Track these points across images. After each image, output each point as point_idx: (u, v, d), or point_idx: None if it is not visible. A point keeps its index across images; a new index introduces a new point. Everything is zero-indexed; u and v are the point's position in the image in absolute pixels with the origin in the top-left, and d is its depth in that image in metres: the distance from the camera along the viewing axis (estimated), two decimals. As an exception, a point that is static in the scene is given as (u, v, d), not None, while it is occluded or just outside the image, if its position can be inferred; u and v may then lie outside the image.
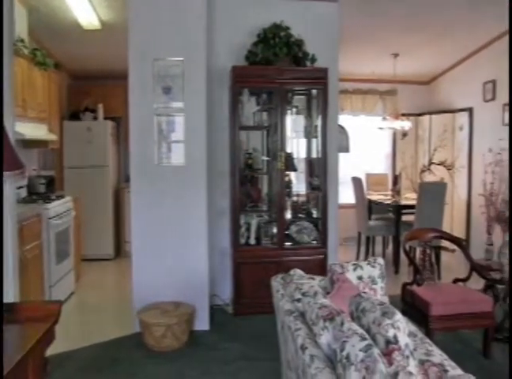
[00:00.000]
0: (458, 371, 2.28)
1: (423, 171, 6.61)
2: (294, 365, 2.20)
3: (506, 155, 5.57)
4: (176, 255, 3.95)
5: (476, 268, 3.86)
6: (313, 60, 4.46)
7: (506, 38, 5.87)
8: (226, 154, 4.52)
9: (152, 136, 3.90)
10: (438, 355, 2.44)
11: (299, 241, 4.45)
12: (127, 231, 6.20)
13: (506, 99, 5.95)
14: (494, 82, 6.23)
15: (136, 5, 3.85)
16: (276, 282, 2.78)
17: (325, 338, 1.95)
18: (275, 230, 4.42)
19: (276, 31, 4.34)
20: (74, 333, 3.97)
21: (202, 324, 4.01)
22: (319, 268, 4.19)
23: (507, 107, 5.92)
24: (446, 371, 2.28)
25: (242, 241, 4.40)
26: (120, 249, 6.74)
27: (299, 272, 2.75)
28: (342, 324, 1.89)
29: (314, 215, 4.59)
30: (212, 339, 3.86)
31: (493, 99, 6.26)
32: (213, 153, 4.42)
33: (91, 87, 6.73)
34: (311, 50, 4.45)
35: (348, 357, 1.71)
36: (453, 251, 6.06)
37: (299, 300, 2.35)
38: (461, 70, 7.02)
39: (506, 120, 5.93)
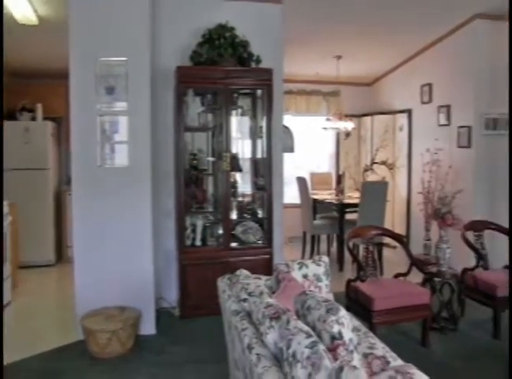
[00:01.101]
0: (399, 362, 2.38)
1: (365, 171, 6.80)
2: (241, 365, 2.21)
3: (441, 155, 5.84)
4: (120, 258, 3.87)
5: (415, 262, 4.02)
6: (258, 61, 4.49)
7: (441, 44, 6.17)
8: (171, 155, 4.48)
9: (94, 137, 3.80)
10: (381, 348, 2.52)
11: (244, 241, 4.47)
12: (69, 236, 5.99)
13: (441, 102, 6.24)
14: (430, 85, 6.51)
15: (76, 2, 3.74)
16: (222, 282, 2.78)
17: (271, 337, 1.97)
18: (221, 230, 4.42)
19: (221, 31, 4.33)
20: (14, 345, 3.75)
21: (148, 327, 3.95)
22: (265, 267, 4.22)
23: (442, 109, 6.20)
24: (388, 363, 2.37)
25: (188, 242, 4.36)
26: (62, 254, 6.51)
27: (245, 272, 2.76)
28: (288, 322, 1.91)
29: (260, 215, 4.62)
30: (158, 343, 3.81)
31: (430, 101, 6.53)
32: (158, 154, 4.36)
33: (29, 85, 6.47)
34: (256, 51, 4.48)
35: (294, 354, 1.73)
36: (394, 247, 6.30)
37: (245, 300, 2.36)
38: (401, 73, 7.29)
39: (442, 121, 6.21)
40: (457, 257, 4.46)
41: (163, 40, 4.43)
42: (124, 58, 3.80)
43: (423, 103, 6.66)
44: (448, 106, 6.10)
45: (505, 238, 4.73)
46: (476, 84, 5.67)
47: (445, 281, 4.05)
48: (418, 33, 6.04)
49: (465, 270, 4.22)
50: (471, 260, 4.37)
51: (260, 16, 4.72)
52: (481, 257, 4.34)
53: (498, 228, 4.61)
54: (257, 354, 1.93)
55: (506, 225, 5.13)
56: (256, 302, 2.21)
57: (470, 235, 4.44)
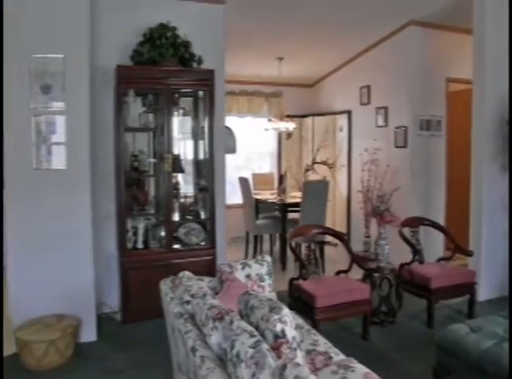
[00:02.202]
0: (341, 356, 2.44)
1: (307, 170, 6.93)
2: (185, 368, 2.19)
3: (380, 155, 6.05)
4: (59, 264, 3.72)
5: (355, 259, 4.14)
6: (200, 61, 4.46)
7: (379, 47, 6.39)
8: (111, 156, 4.35)
9: (29, 138, 3.62)
10: (323, 344, 2.58)
11: (187, 243, 4.44)
12: (3, 242, 5.69)
13: (379, 103, 6.46)
14: (369, 87, 6.72)
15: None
16: (164, 285, 2.75)
17: (215, 338, 1.97)
18: (163, 233, 4.36)
19: (162, 31, 4.27)
20: None
21: (89, 335, 3.82)
22: (208, 268, 4.21)
23: (380, 110, 6.43)
24: (330, 358, 2.43)
25: (130, 245, 4.27)
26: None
27: (187, 273, 2.74)
28: (231, 322, 1.92)
29: (203, 217, 4.60)
30: (100, 350, 3.69)
31: (368, 103, 6.75)
32: (98, 155, 4.23)
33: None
34: (198, 52, 4.45)
35: (238, 354, 1.74)
36: (335, 245, 6.45)
37: (188, 302, 2.35)
38: (341, 75, 7.48)
39: (379, 122, 6.44)
40: (395, 253, 4.63)
41: (102, 38, 4.30)
42: (61, 55, 3.65)
43: (362, 104, 6.87)
44: (385, 108, 6.33)
45: (438, 233, 4.98)
46: (411, 87, 5.92)
47: (384, 276, 4.20)
48: (357, 36, 6.23)
49: (402, 265, 4.40)
50: (408, 255, 4.55)
51: (202, 16, 4.69)
52: (417, 252, 4.53)
53: (432, 224, 4.84)
54: (201, 356, 1.92)
55: (439, 220, 5.40)
56: (199, 303, 2.20)
57: (406, 231, 4.62)
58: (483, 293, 4.82)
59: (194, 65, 4.44)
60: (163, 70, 4.20)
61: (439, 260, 4.72)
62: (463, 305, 4.41)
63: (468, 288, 4.29)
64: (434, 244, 5.75)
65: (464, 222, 5.11)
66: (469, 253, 4.52)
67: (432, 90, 6.00)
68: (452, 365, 2.83)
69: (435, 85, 6.02)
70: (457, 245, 4.50)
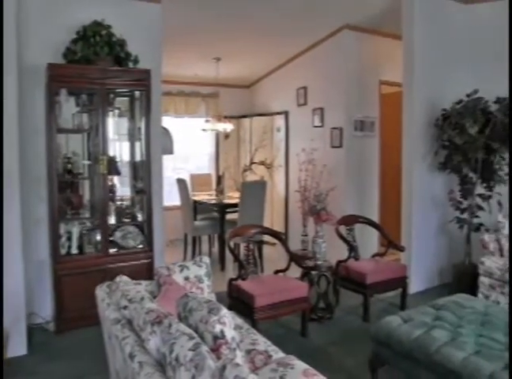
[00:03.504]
0: (281, 354, 2.48)
1: (245, 171, 6.96)
2: (123, 376, 2.14)
3: (316, 155, 6.18)
4: (-15, 273, 3.51)
5: (293, 258, 4.21)
6: (136, 61, 4.37)
7: (316, 50, 6.53)
8: (42, 159, 4.17)
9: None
10: (263, 343, 2.60)
11: (124, 246, 4.33)
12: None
13: (316, 104, 6.60)
14: (305, 88, 6.85)
15: None
16: (100, 291, 2.67)
17: (153, 343, 1.94)
18: (99, 237, 4.23)
19: (96, 29, 4.13)
20: None
21: (19, 348, 3.60)
22: (147, 272, 4.14)
23: (317, 111, 6.57)
24: (270, 356, 2.45)
25: (63, 251, 4.11)
26: None
27: (125, 278, 2.68)
28: (170, 326, 1.90)
29: (140, 219, 4.51)
30: (31, 363, 3.50)
31: (305, 103, 6.88)
32: (28, 158, 4.04)
33: None
34: (134, 51, 4.35)
35: (177, 358, 1.73)
36: (274, 244, 6.52)
37: (125, 307, 2.29)
38: (279, 76, 7.57)
39: (316, 123, 6.58)
40: (332, 250, 4.76)
41: (32, 34, 4.09)
42: (-17, 51, 3.45)
43: (299, 105, 6.99)
44: (322, 109, 6.48)
45: (372, 230, 5.17)
46: (346, 89, 6.09)
47: (321, 274, 4.30)
48: (294, 39, 6.33)
49: (339, 262, 4.52)
50: (344, 253, 4.68)
51: (138, 15, 4.58)
52: (353, 249, 4.68)
53: (367, 221, 5.01)
54: (140, 362, 1.89)
55: (374, 218, 5.60)
56: (137, 308, 2.16)
57: (343, 229, 4.76)
58: (414, 285, 5.05)
59: (130, 64, 4.34)
60: (97, 69, 4.07)
61: (374, 256, 4.90)
62: (396, 298, 4.60)
63: (400, 282, 4.49)
64: (369, 241, 5.96)
65: (397, 218, 5.33)
66: (401, 249, 4.72)
67: (366, 92, 6.22)
68: (386, 355, 2.95)
69: (369, 87, 6.25)
70: (390, 241, 4.69)
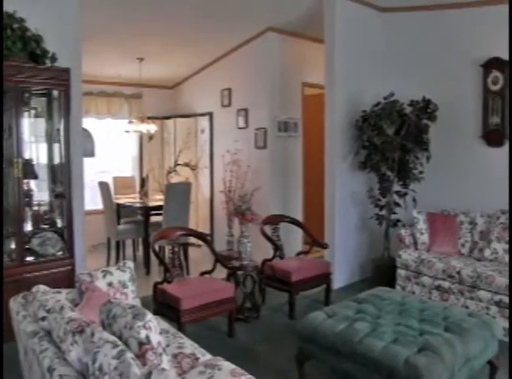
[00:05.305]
0: (208, 356, 2.48)
1: (169, 173, 6.87)
2: (42, 390, 2.04)
3: (241, 155, 6.22)
4: None
5: (219, 259, 4.21)
6: (53, 59, 4.15)
7: (240, 51, 6.57)
8: None
9: None
10: (190, 346, 2.59)
11: (42, 254, 4.11)
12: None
13: (240, 105, 6.64)
14: (230, 90, 6.87)
15: None
16: (15, 303, 2.52)
17: (75, 353, 1.87)
18: (13, 245, 3.99)
19: (8, 21, 3.85)
20: None
21: None
22: (67, 280, 3.95)
23: (241, 112, 6.61)
24: (197, 359, 2.45)
25: (-28, 262, 3.84)
26: None
27: (42, 287, 2.56)
28: (93, 334, 1.84)
29: (60, 225, 4.31)
30: None
31: (229, 105, 6.90)
32: None
33: None
34: (52, 49, 4.13)
35: (100, 367, 1.68)
36: (199, 246, 6.50)
37: (43, 318, 2.19)
38: (203, 77, 7.53)
39: (240, 124, 6.62)
40: (258, 250, 4.82)
41: None
42: None
43: (224, 106, 7.00)
44: (246, 110, 6.54)
45: (297, 229, 5.29)
46: (270, 91, 6.19)
47: (247, 273, 4.34)
48: (218, 40, 6.33)
49: (265, 261, 4.58)
50: (269, 252, 4.76)
51: (55, 10, 4.32)
52: (278, 248, 4.76)
53: (291, 220, 5.12)
54: (60, 375, 1.81)
55: (298, 217, 5.74)
56: (56, 318, 2.07)
57: (268, 229, 4.83)
58: (338, 281, 5.24)
59: (47, 62, 4.13)
60: (10, 66, 3.81)
61: (299, 254, 5.02)
62: (320, 294, 4.74)
63: (324, 278, 4.63)
64: (294, 239, 6.10)
65: (321, 217, 5.50)
66: (325, 246, 4.88)
67: (289, 93, 6.36)
68: (312, 350, 3.03)
69: (292, 89, 6.39)
70: (314, 239, 4.83)
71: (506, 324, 3.80)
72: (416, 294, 4.48)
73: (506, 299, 3.81)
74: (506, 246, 4.30)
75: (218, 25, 5.76)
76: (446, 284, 4.28)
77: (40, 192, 4.47)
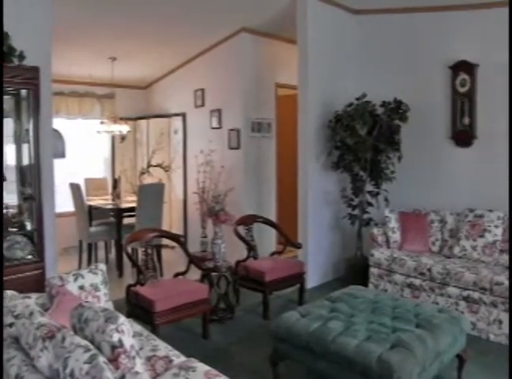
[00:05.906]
0: (182, 358, 2.46)
1: (142, 174, 6.80)
2: (11, 399, 1.99)
3: (215, 156, 6.21)
4: None
5: (192, 260, 4.18)
6: (21, 57, 4.03)
7: (213, 52, 6.55)
8: None
9: None
10: (164, 348, 2.57)
11: (10, 258, 4.02)
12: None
13: (213, 106, 6.63)
14: (203, 90, 6.84)
15: None
16: (-19, 309, 2.46)
17: (45, 359, 1.83)
18: (-21, 249, 3.89)
19: (-29, 17, 3.77)
20: None
21: None
22: (37, 283, 3.85)
23: (214, 113, 6.59)
24: (171, 361, 2.43)
25: None
26: None
27: (10, 293, 2.49)
28: (64, 339, 1.81)
29: (29, 228, 4.22)
30: None
31: (202, 105, 6.87)
32: None
33: None
34: (19, 46, 4.03)
35: (72, 373, 1.65)
36: (173, 248, 6.45)
37: (11, 325, 2.13)
38: (176, 78, 7.47)
39: (214, 124, 6.61)
40: (231, 251, 4.82)
41: None
42: None
43: (197, 106, 6.96)
44: (219, 111, 6.52)
45: (270, 229, 5.31)
46: (243, 91, 6.18)
47: (221, 274, 4.34)
48: (192, 40, 6.29)
49: (238, 262, 4.58)
50: (243, 252, 4.76)
51: (23, 5, 4.23)
52: (251, 248, 4.77)
53: (265, 221, 5.14)
54: (29, 382, 1.77)
55: (271, 217, 5.76)
56: (25, 323, 2.02)
57: (241, 229, 4.83)
58: (311, 281, 5.27)
59: (15, 60, 4.03)
60: (-25, 64, 3.72)
61: (272, 254, 5.04)
62: (294, 294, 4.77)
63: (298, 278, 4.66)
64: (268, 239, 6.12)
65: (294, 217, 5.52)
66: (298, 246, 4.91)
67: (263, 94, 6.37)
68: (286, 350, 3.05)
69: (266, 90, 6.40)
70: (288, 239, 4.86)
71: (474, 319, 3.91)
72: (388, 291, 4.55)
73: (474, 294, 3.93)
74: (474, 243, 4.41)
75: (192, 25, 5.72)
76: (417, 282, 4.36)
77: (8, 194, 4.37)
